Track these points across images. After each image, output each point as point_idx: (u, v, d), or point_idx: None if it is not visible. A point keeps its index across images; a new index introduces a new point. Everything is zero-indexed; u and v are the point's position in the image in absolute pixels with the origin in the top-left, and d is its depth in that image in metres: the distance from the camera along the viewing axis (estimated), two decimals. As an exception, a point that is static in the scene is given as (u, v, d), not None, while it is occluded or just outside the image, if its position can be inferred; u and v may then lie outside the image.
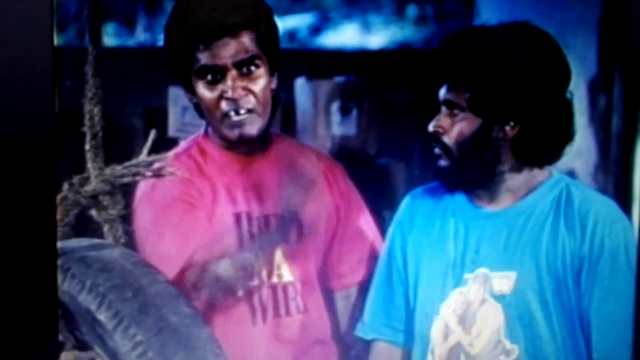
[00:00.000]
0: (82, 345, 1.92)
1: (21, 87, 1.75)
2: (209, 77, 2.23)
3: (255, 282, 2.28)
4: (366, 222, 2.39)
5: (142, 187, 2.20)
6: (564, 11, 2.71)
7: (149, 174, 2.01)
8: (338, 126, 2.93)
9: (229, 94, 2.22)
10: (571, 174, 2.74)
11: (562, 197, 2.19)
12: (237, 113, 2.24)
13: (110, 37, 2.74)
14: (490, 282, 2.18)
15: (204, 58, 2.22)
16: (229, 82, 2.22)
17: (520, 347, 2.16)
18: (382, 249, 2.36)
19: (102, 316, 1.85)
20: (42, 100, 1.76)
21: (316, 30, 2.95)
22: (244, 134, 2.25)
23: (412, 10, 2.90)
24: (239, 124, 2.24)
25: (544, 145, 2.19)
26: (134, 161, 2.02)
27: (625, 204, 2.34)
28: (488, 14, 2.76)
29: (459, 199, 2.25)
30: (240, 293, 2.26)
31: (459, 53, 2.17)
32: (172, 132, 2.89)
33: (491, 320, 2.17)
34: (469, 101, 2.15)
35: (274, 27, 2.29)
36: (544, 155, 2.21)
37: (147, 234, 2.19)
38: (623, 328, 2.09)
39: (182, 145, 2.35)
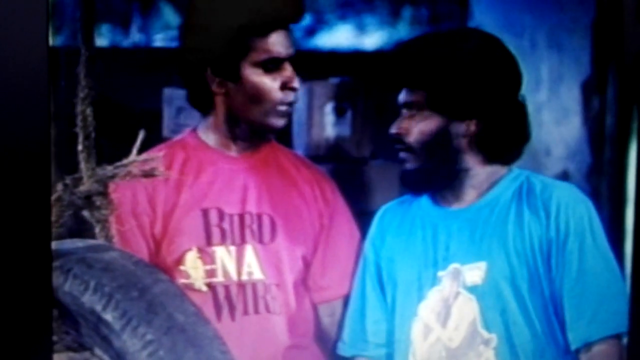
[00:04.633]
0: (76, 347, 1.92)
1: (16, 87, 1.75)
2: (271, 66, 2.25)
3: (221, 278, 2.29)
4: (352, 237, 2.39)
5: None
6: (557, 13, 2.72)
7: (139, 173, 2.01)
8: (333, 127, 2.93)
9: (294, 84, 2.26)
10: (565, 175, 2.75)
11: (524, 187, 2.24)
12: (290, 103, 2.28)
13: (104, 38, 2.75)
14: (463, 275, 2.21)
15: (268, 48, 2.25)
16: (289, 73, 2.26)
17: (499, 335, 2.18)
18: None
19: (108, 316, 1.85)
20: (37, 101, 1.76)
21: (311, 31, 2.96)
22: (284, 124, 2.30)
23: (406, 12, 2.91)
24: (287, 114, 2.29)
25: (502, 144, 2.24)
26: (124, 161, 2.02)
27: (619, 205, 2.35)
28: (482, 16, 2.77)
29: (425, 203, 2.30)
30: (204, 288, 2.28)
31: (413, 55, 2.23)
32: (166, 132, 2.90)
33: (466, 312, 2.20)
34: (427, 99, 2.20)
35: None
36: (504, 154, 2.26)
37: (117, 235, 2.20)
38: (595, 307, 2.13)
39: (169, 141, 2.37)
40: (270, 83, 2.26)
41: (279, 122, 2.29)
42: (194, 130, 2.36)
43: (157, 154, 2.12)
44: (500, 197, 2.23)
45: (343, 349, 2.35)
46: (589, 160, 2.79)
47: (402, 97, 2.25)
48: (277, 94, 2.27)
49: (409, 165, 2.25)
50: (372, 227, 2.35)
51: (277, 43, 2.26)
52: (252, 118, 2.29)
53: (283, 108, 2.28)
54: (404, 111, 2.25)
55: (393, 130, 2.24)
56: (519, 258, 2.17)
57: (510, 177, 2.25)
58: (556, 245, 2.16)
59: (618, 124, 2.72)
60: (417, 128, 2.23)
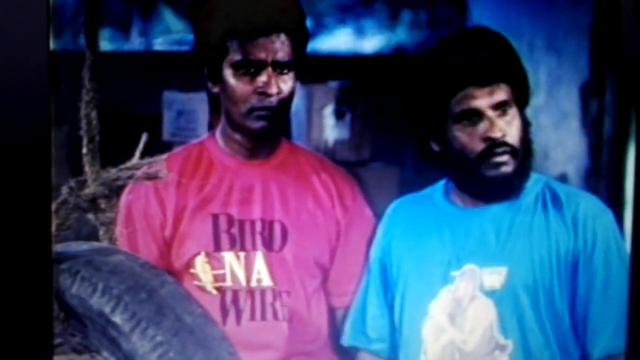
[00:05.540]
0: (82, 349, 1.92)
1: (17, 91, 1.76)
2: (251, 70, 2.26)
3: (229, 283, 2.29)
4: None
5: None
6: (556, 16, 2.72)
7: (142, 176, 2.02)
8: (332, 130, 2.94)
9: (265, 89, 2.26)
10: (563, 178, 2.75)
11: (547, 194, 2.22)
12: (266, 108, 2.27)
13: (105, 42, 2.75)
14: (480, 278, 2.19)
15: (245, 51, 2.25)
16: (264, 78, 2.26)
17: (515, 341, 2.18)
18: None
19: (117, 318, 1.86)
20: (37, 105, 1.77)
21: (310, 34, 2.95)
22: (266, 127, 2.28)
23: (405, 16, 2.91)
24: (264, 118, 2.28)
25: None
26: (128, 164, 2.03)
27: (617, 209, 2.35)
28: (481, 20, 2.77)
29: (439, 201, 2.28)
30: (214, 292, 2.28)
31: (484, 47, 2.17)
32: (166, 136, 2.90)
33: (483, 316, 2.19)
34: (515, 94, 2.16)
35: (307, 37, 2.33)
36: None
37: (123, 237, 2.20)
38: (619, 319, 2.12)
39: (189, 143, 2.39)
40: (242, 86, 2.27)
41: (255, 125, 2.29)
42: (213, 133, 2.37)
43: (159, 157, 2.13)
44: (523, 201, 2.21)
45: (342, 339, 2.35)
46: (587, 163, 2.79)
47: (492, 98, 2.16)
48: (251, 98, 2.27)
49: (508, 168, 2.18)
50: (380, 225, 2.33)
51: (257, 47, 2.26)
52: (234, 120, 2.30)
53: (259, 113, 2.28)
54: (489, 113, 2.17)
55: (497, 134, 2.16)
56: (542, 265, 2.16)
57: (530, 181, 2.23)
58: (584, 256, 2.15)
59: (616, 127, 2.72)
60: (513, 127, 2.17)
